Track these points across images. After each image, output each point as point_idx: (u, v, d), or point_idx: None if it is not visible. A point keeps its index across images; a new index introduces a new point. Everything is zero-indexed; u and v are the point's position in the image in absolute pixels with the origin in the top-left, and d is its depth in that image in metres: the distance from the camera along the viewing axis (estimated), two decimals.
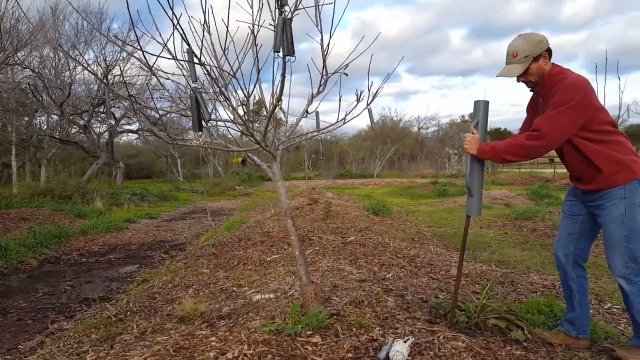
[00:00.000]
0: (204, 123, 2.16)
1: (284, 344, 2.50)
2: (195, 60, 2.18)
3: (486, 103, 2.79)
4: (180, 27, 1.99)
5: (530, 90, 2.75)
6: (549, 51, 2.61)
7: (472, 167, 2.78)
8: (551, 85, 2.58)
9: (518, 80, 2.70)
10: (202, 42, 2.19)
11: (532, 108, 2.84)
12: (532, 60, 2.59)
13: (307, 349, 2.45)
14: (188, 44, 2.15)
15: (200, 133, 2.69)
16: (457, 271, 2.95)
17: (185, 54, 2.30)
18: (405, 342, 2.35)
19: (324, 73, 2.69)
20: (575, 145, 2.56)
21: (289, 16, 2.05)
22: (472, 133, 2.76)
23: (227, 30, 2.18)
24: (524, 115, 2.95)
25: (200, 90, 2.39)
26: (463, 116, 42.79)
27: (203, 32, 2.22)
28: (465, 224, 2.95)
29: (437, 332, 2.61)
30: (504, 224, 8.08)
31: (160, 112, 9.99)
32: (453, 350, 2.37)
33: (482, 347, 2.44)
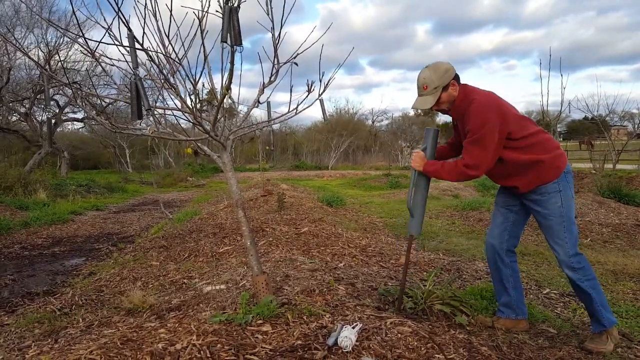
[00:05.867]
0: (144, 111, 2.11)
1: (234, 333, 2.50)
2: (137, 46, 2.12)
3: (436, 131, 2.91)
4: (121, 12, 1.93)
5: (443, 113, 2.88)
6: (456, 78, 2.73)
7: (418, 183, 2.91)
8: (462, 109, 2.70)
9: (432, 110, 2.83)
10: (144, 26, 2.13)
11: (456, 125, 2.95)
12: (441, 90, 2.71)
13: (257, 337, 2.46)
14: (129, 29, 2.09)
15: (149, 122, 2.62)
16: (405, 259, 3.04)
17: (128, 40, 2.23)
18: (353, 328, 2.40)
19: (276, 63, 2.69)
20: (500, 158, 2.67)
21: (235, 4, 2.03)
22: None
23: (171, 14, 2.13)
24: None
25: (145, 77, 2.32)
26: (417, 110, 43.80)
27: (145, 16, 2.16)
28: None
29: (385, 318, 2.68)
30: (452, 214, 8.34)
31: (107, 100, 9.62)
32: (399, 335, 2.44)
33: (427, 332, 2.53)
